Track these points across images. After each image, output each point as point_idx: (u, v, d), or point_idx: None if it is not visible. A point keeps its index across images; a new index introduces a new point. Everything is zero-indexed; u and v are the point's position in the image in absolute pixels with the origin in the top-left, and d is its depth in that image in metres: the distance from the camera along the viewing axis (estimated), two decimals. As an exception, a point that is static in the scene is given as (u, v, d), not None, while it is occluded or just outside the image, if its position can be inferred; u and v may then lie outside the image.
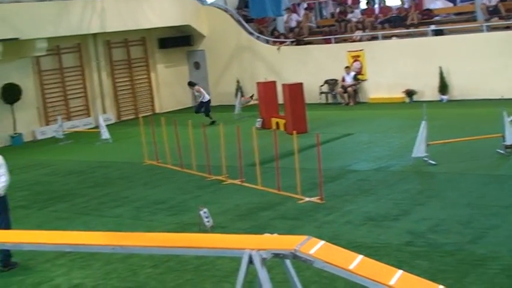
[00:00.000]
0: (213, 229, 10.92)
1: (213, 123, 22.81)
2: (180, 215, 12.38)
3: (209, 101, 24.24)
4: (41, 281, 9.53)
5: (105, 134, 22.23)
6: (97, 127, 23.82)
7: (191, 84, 25.25)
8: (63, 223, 12.32)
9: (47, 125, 25.21)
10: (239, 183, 14.23)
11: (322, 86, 26.77)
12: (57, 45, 25.65)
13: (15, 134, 23.72)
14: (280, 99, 21.75)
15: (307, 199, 12.35)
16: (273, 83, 22.76)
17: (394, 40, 25.59)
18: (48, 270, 9.93)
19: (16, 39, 22.69)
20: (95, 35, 26.70)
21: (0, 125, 23.35)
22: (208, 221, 11.13)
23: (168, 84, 29.77)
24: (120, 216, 12.69)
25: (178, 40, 29.80)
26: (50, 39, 24.10)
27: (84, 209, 13.55)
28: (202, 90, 24.47)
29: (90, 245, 6.40)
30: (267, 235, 6.38)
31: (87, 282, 9.35)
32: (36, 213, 13.46)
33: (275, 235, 6.27)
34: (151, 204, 13.34)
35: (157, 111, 29.14)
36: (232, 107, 25.53)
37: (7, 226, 9.93)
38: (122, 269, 9.68)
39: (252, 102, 25.69)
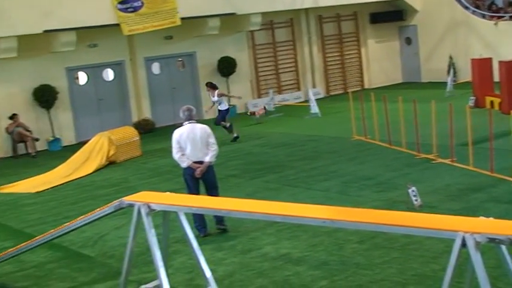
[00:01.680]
0: (421, 208, 10.68)
1: (236, 139, 18.78)
2: (387, 192, 12.24)
3: (228, 110, 19.59)
4: (250, 248, 9.87)
5: (315, 108, 22.51)
6: (307, 101, 24.18)
7: (211, 86, 19.46)
8: (272, 194, 12.65)
9: (259, 97, 26.02)
10: (449, 162, 13.78)
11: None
12: (270, 20, 26.30)
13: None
14: (496, 78, 20.74)
15: (523, 183, 11.69)
16: (489, 60, 21.72)
17: None
18: (258, 239, 10.26)
19: (233, 14, 23.59)
20: (307, 10, 27.02)
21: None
22: (416, 200, 10.91)
23: (378, 60, 29.48)
24: (327, 190, 12.80)
25: (390, 15, 29.34)
26: (264, 14, 24.77)
27: (292, 181, 13.84)
28: (224, 95, 20.07)
29: (300, 217, 6.48)
30: (481, 218, 6.11)
31: (294, 252, 9.54)
32: (247, 182, 13.94)
33: (490, 219, 5.98)
34: (358, 179, 13.32)
35: (366, 86, 28.99)
36: (444, 84, 24.73)
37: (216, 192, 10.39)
38: (328, 243, 9.77)
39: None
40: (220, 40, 24.57)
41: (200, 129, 10.35)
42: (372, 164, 14.65)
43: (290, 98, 26.54)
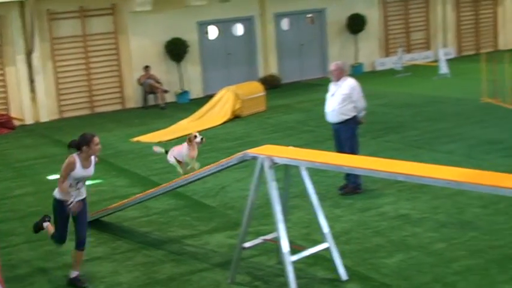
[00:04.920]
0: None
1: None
2: (515, 157, 11.84)
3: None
4: (369, 207, 9.87)
5: (444, 69, 21.91)
6: (436, 61, 23.55)
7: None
8: (395, 153, 12.49)
9: (387, 56, 25.57)
10: None
11: None
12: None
13: (356, 63, 24.46)
14: None
15: None
16: None
17: None
18: (377, 198, 10.23)
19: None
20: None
21: (344, 54, 24.18)
22: (545, 167, 10.51)
23: (515, 20, 28.18)
24: (451, 153, 12.52)
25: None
26: (396, -29, 24.20)
27: (416, 142, 13.62)
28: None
29: (424, 177, 6.39)
30: None
31: (413, 213, 9.46)
32: (369, 141, 13.84)
33: None
34: (484, 143, 12.94)
35: (501, 48, 27.81)
36: None
37: (353, 151, 10.33)
38: (449, 205, 9.61)
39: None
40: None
41: None
42: (500, 128, 14.16)
43: (419, 57, 25.89)
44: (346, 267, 7.60)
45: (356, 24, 24.43)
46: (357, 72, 23.81)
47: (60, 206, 7.75)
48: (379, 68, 25.03)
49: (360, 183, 10.51)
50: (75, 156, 7.66)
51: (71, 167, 7.62)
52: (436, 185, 6.38)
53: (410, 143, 13.57)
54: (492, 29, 28.16)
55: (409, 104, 17.70)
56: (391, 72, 23.65)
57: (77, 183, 7.74)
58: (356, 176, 10.26)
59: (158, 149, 11.70)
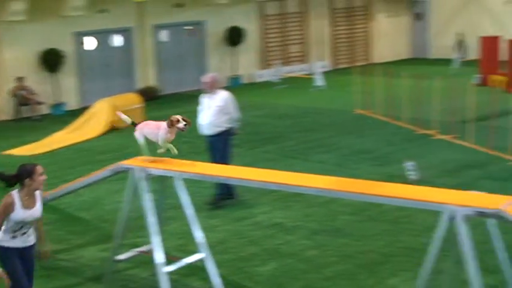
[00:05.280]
0: (417, 183, 10.73)
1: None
2: (385, 166, 12.32)
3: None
4: (244, 217, 9.98)
5: (320, 81, 22.50)
6: (313, 74, 24.14)
7: None
8: (270, 164, 12.66)
9: (266, 68, 25.98)
10: (449, 139, 13.81)
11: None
12: (280, -9, 26.20)
13: (235, 75, 24.69)
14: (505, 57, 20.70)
15: (520, 161, 11.74)
16: (495, 38, 21.62)
17: None
18: (252, 208, 10.36)
19: (242, -17, 23.51)
20: (317, -18, 26.90)
21: (223, 66, 24.36)
22: (413, 174, 10.97)
23: (387, 35, 29.36)
24: (325, 162, 12.86)
25: (401, -11, 29.20)
26: (273, -15, 24.69)
27: (291, 152, 13.90)
28: None
29: (295, 186, 6.54)
30: (471, 192, 6.15)
31: (287, 222, 9.65)
32: (246, 152, 13.99)
33: (479, 192, 6.01)
34: (357, 153, 13.39)
35: (373, 61, 28.88)
36: (450, 61, 24.65)
37: (225, 161, 10.36)
38: (321, 213, 9.87)
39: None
40: (230, 10, 24.48)
41: None
42: (371, 138, 14.70)
43: (296, 70, 26.49)
44: (222, 277, 7.64)
45: (235, 36, 24.71)
46: (235, 84, 24.05)
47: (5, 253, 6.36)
48: (257, 80, 25.39)
49: (232, 193, 10.59)
50: (13, 195, 6.29)
51: (8, 209, 6.22)
52: (308, 193, 6.57)
53: (285, 153, 13.84)
54: (366, 43, 29.21)
55: (286, 115, 18.05)
56: (269, 84, 24.06)
57: (21, 227, 6.35)
58: (227, 186, 10.36)
59: (124, 117, 9.23)
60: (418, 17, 29.83)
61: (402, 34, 29.84)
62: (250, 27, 25.32)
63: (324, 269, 7.96)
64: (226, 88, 10.82)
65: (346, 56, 28.66)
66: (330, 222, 9.54)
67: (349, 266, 8.01)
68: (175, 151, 7.94)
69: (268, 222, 9.69)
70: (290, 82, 23.89)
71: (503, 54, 20.77)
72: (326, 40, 27.78)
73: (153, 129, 8.28)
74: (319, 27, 27.47)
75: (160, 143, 8.06)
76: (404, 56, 29.51)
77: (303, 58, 27.37)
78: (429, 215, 8.87)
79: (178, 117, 7.99)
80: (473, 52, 25.54)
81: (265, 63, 26.21)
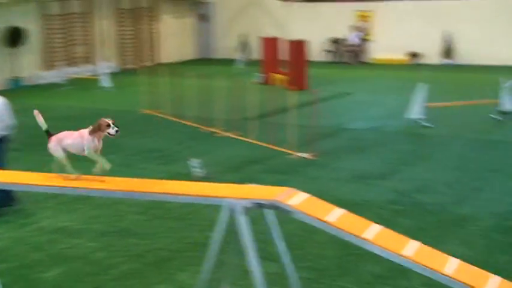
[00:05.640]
0: (203, 180, 10.97)
1: None
2: (172, 164, 12.44)
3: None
4: (27, 223, 9.60)
5: (106, 82, 22.23)
6: (98, 74, 23.78)
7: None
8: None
9: (49, 70, 25.18)
10: (234, 136, 14.25)
11: (326, 44, 26.62)
12: (62, -10, 25.51)
13: (15, 77, 23.67)
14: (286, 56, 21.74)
15: (298, 154, 12.38)
16: (275, 39, 22.63)
17: (405, 2, 25.38)
18: (35, 213, 10.00)
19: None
20: (101, -19, 26.54)
21: (1, 67, 23.27)
22: (198, 172, 11.18)
23: (173, 36, 29.64)
24: (111, 163, 12.68)
25: (186, -9, 29.63)
26: (55, -16, 23.98)
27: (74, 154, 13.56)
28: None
29: (79, 188, 6.41)
30: (249, 185, 6.38)
31: (73, 225, 9.43)
32: (27, 156, 13.49)
33: (257, 185, 6.25)
34: (143, 152, 13.39)
35: (160, 61, 29.04)
36: (234, 61, 25.41)
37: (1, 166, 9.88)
38: (108, 215, 9.76)
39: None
40: (9, 9, 23.38)
41: None
42: (157, 137, 14.79)
43: (82, 71, 25.95)
44: (5, 286, 7.32)
45: (15, 37, 23.66)
46: (16, 86, 23.08)
47: None
48: (41, 81, 24.53)
49: (12, 198, 10.14)
50: None
51: None
52: (93, 195, 6.46)
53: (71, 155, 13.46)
54: (152, 44, 29.28)
55: (71, 117, 17.58)
56: (54, 85, 23.33)
57: None
58: (6, 192, 9.90)
59: (41, 121, 6.93)
60: (203, 18, 30.43)
61: (188, 35, 30.30)
62: (32, 27, 24.40)
63: (111, 270, 7.87)
64: (7, 91, 10.32)
65: (133, 57, 28.55)
66: (118, 222, 9.46)
67: (137, 265, 7.99)
68: (107, 167, 6.80)
69: (52, 226, 9.41)
70: (76, 83, 23.33)
71: (283, 54, 21.77)
72: (112, 41, 27.48)
73: (74, 140, 6.79)
74: (105, 28, 27.12)
75: (87, 154, 6.76)
76: (190, 57, 29.97)
77: (88, 59, 26.88)
78: (213, 210, 9.08)
79: (109, 120, 6.46)
80: (257, 52, 26.58)
81: (48, 64, 25.39)
